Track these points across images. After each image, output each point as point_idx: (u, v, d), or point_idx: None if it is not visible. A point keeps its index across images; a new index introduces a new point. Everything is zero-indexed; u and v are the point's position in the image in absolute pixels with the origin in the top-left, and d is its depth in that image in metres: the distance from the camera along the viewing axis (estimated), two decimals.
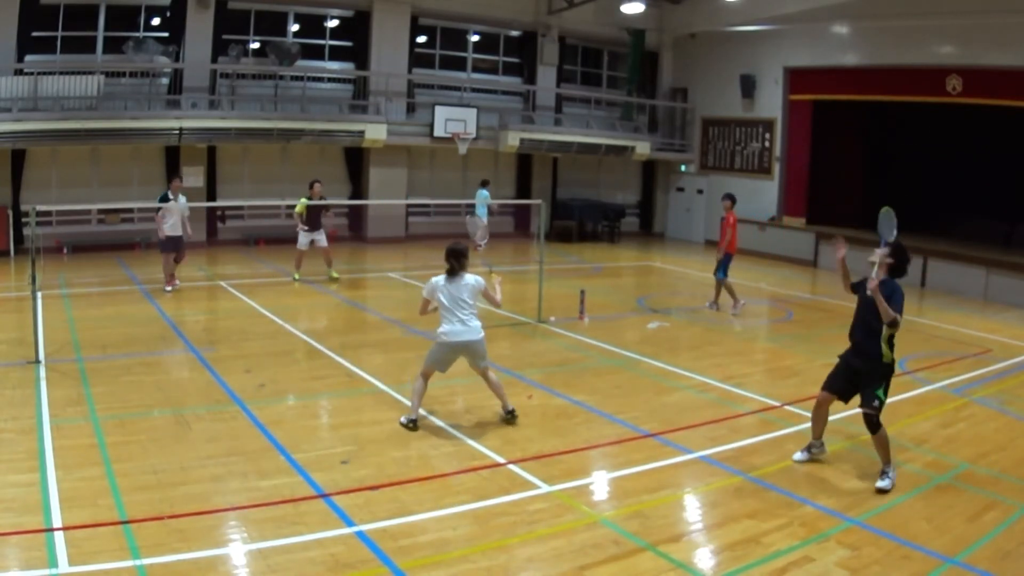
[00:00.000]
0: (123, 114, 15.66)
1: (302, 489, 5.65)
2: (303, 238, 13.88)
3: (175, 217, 12.49)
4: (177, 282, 12.92)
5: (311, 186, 14.05)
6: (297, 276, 13.98)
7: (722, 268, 12.77)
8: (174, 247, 12.63)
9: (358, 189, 19.62)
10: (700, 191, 22.92)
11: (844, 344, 6.39)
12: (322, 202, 14.08)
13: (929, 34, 17.23)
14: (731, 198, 12.89)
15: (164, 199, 12.49)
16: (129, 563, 4.54)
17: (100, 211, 16.92)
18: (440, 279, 7.01)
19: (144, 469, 5.85)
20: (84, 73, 15.41)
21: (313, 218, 13.88)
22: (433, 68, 20.64)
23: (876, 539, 5.23)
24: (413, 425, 6.97)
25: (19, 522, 4.94)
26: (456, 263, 6.98)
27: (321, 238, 14.05)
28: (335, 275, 14.26)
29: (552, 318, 11.55)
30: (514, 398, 7.46)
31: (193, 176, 17.11)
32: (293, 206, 13.86)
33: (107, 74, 15.90)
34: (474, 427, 7.09)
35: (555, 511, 5.52)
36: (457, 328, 6.89)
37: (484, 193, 18.47)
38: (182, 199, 12.55)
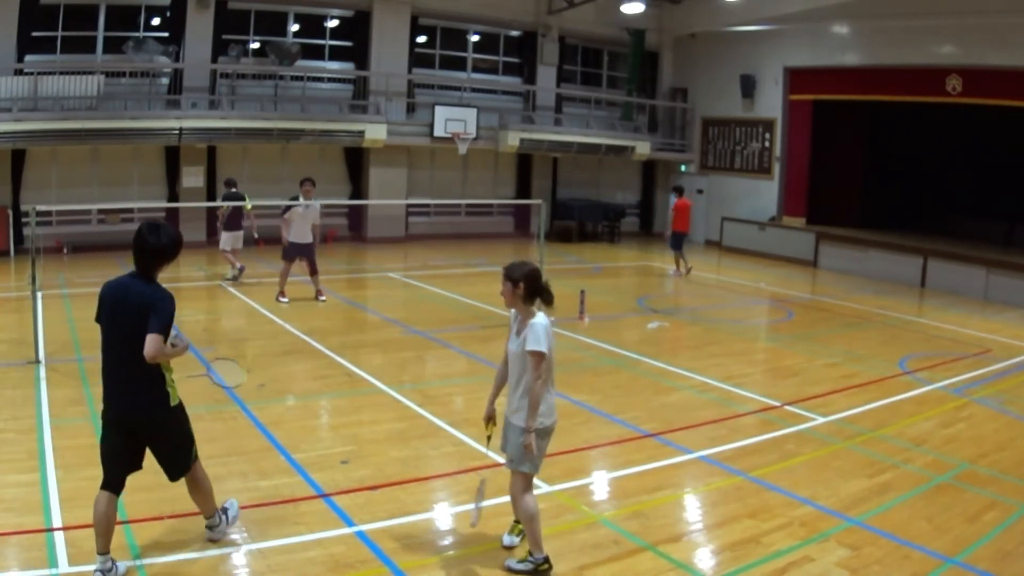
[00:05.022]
0: (123, 114, 15.65)
1: (302, 489, 5.65)
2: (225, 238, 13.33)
3: (302, 223, 11.78)
4: (323, 297, 12.16)
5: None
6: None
7: (674, 242, 16.42)
8: (297, 254, 11.95)
9: (358, 189, 19.62)
10: (700, 191, 22.88)
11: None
12: (232, 203, 12.98)
13: (929, 34, 17.22)
14: (676, 189, 17.60)
15: (295, 199, 11.87)
16: (129, 563, 4.54)
17: (100, 211, 16.90)
18: (547, 320, 4.86)
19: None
20: (84, 73, 15.39)
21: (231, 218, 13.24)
22: (433, 68, 20.63)
23: (876, 539, 5.23)
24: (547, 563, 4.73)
25: (19, 522, 4.94)
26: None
27: (226, 239, 13.32)
28: (231, 277, 13.47)
29: (552, 318, 11.52)
30: None
31: (193, 176, 17.14)
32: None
33: (107, 74, 15.88)
34: (474, 427, 7.08)
35: (555, 511, 5.51)
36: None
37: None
38: (315, 203, 11.86)
